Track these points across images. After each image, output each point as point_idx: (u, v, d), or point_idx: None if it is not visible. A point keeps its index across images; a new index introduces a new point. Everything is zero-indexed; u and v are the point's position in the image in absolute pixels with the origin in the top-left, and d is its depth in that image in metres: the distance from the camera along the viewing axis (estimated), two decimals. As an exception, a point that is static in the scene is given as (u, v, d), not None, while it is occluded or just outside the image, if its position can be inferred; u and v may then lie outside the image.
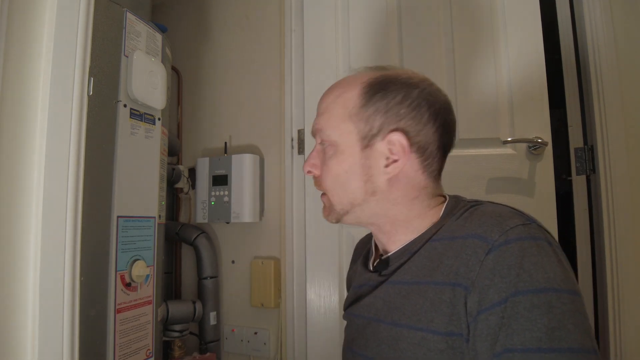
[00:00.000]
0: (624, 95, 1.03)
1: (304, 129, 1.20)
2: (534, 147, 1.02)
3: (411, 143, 0.58)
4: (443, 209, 0.60)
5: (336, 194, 0.61)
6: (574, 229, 1.13)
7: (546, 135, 1.02)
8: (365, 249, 0.75)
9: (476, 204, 0.58)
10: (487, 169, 1.04)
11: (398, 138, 0.57)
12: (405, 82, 0.59)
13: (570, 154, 1.14)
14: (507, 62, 1.05)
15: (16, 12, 0.63)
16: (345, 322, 0.71)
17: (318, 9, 1.21)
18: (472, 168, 1.05)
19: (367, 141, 0.58)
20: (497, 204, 0.57)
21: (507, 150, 1.04)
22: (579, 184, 1.14)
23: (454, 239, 0.53)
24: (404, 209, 0.60)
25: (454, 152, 1.04)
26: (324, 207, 0.64)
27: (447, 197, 0.63)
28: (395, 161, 0.58)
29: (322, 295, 1.11)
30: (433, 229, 0.58)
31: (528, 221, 0.50)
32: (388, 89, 0.59)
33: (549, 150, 1.02)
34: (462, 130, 1.06)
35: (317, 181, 0.63)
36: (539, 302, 0.44)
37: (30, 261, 0.62)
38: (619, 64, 1.04)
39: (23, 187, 0.63)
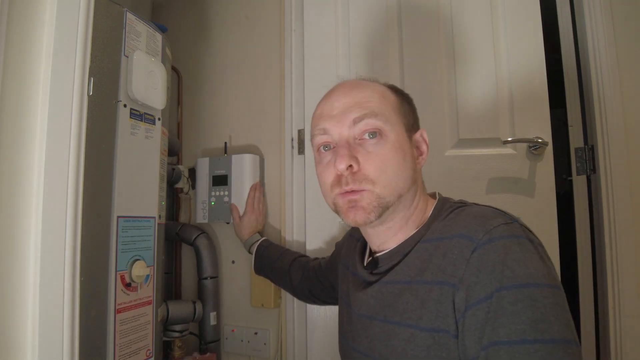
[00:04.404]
0: (624, 95, 1.03)
1: (304, 129, 1.20)
2: (534, 147, 1.02)
3: None
4: (431, 210, 0.64)
5: (389, 185, 0.59)
6: (574, 228, 1.13)
7: (546, 135, 1.02)
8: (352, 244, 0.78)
9: (461, 205, 0.61)
10: (487, 169, 1.04)
11: (424, 134, 0.67)
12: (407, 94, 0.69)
13: (571, 154, 1.14)
14: (508, 61, 1.05)
15: (16, 12, 0.63)
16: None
17: (318, 9, 1.21)
18: (472, 168, 1.05)
19: (409, 133, 0.64)
20: (481, 205, 0.60)
21: (508, 150, 1.04)
22: (579, 183, 1.14)
23: (441, 239, 0.56)
24: (421, 199, 0.65)
25: (454, 152, 1.06)
26: (358, 206, 0.59)
27: (437, 197, 0.66)
28: (421, 154, 0.66)
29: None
30: (422, 230, 0.61)
31: (511, 220, 0.52)
32: (405, 94, 0.68)
33: (549, 150, 1.02)
34: (462, 130, 1.06)
35: (357, 176, 0.59)
36: (522, 297, 0.45)
37: (31, 261, 0.62)
38: (620, 63, 1.04)
39: (23, 187, 0.63)
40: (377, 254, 0.65)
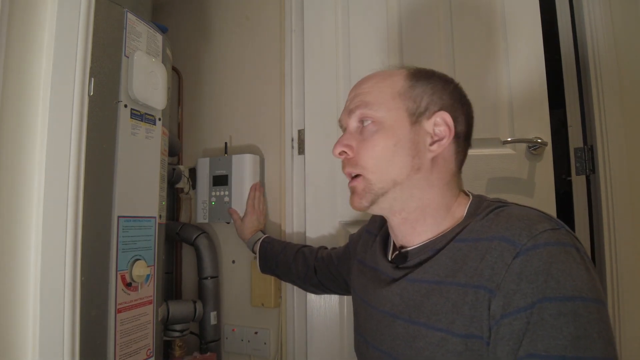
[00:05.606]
0: (623, 95, 1.03)
1: (304, 129, 1.20)
2: (534, 147, 1.02)
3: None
4: (467, 207, 0.60)
5: (378, 171, 0.60)
6: (573, 229, 1.13)
7: (546, 136, 1.02)
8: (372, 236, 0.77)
9: (501, 205, 0.57)
10: (486, 169, 1.04)
11: (445, 117, 0.61)
12: (443, 76, 0.66)
13: (570, 154, 1.14)
14: (507, 62, 1.05)
15: (17, 12, 0.63)
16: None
17: (318, 9, 1.21)
18: (472, 168, 1.05)
19: (415, 118, 0.61)
20: (524, 206, 0.57)
21: (507, 150, 1.04)
22: (578, 184, 1.14)
23: (478, 240, 0.53)
24: (439, 192, 0.61)
25: (454, 152, 1.05)
26: (355, 192, 0.63)
27: (471, 196, 0.63)
28: (439, 140, 0.60)
29: (322, 295, 1.11)
30: (457, 228, 0.58)
31: (557, 226, 0.49)
32: (431, 77, 0.64)
33: (548, 150, 1.02)
34: (462, 131, 1.07)
35: (351, 162, 0.63)
36: (566, 310, 0.43)
37: (31, 261, 0.62)
38: (619, 64, 1.04)
39: (24, 187, 0.63)
40: (407, 248, 0.63)
